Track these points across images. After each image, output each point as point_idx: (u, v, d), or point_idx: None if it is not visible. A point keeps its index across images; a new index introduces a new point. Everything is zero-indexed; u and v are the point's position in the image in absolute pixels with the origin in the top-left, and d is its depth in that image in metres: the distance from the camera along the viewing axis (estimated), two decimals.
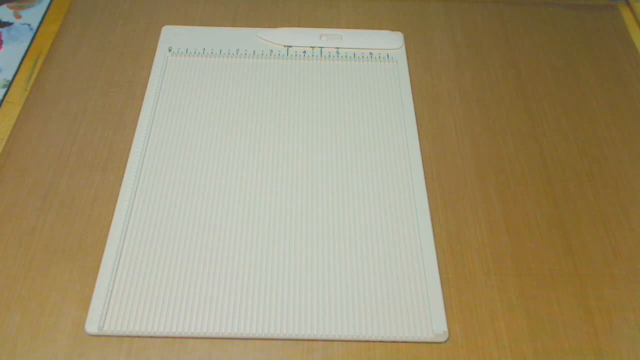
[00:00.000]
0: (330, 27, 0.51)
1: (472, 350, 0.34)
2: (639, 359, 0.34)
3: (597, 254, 0.38)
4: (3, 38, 0.52)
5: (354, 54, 0.48)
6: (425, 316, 0.35)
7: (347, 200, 0.39)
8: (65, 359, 0.33)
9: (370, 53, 0.48)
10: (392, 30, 0.50)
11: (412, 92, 0.46)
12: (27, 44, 0.50)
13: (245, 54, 0.48)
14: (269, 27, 0.50)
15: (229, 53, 0.48)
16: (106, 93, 0.45)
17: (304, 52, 0.48)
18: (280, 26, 0.50)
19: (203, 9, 0.52)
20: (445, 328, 0.34)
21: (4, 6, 0.55)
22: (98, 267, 0.36)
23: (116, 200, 0.39)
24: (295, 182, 0.40)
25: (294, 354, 0.34)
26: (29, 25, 0.53)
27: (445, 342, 0.34)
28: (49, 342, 0.33)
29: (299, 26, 0.51)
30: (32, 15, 0.54)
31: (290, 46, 0.48)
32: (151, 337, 0.34)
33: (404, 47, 0.49)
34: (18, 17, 0.54)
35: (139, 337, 0.34)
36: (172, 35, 0.49)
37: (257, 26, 0.50)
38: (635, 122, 0.45)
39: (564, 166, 0.42)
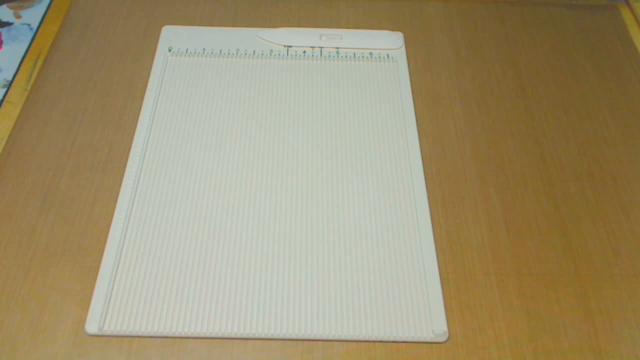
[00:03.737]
0: (330, 27, 0.51)
1: (472, 350, 0.34)
2: (639, 359, 0.34)
3: (597, 254, 0.38)
4: (3, 38, 0.52)
5: (354, 54, 0.48)
6: (425, 316, 0.35)
7: (347, 200, 0.39)
8: (65, 359, 0.33)
9: (370, 53, 0.48)
10: (392, 30, 0.50)
11: (412, 92, 0.46)
12: (27, 44, 0.50)
13: (245, 54, 0.48)
14: (269, 27, 0.50)
15: (229, 53, 0.48)
16: (106, 93, 0.45)
17: (304, 52, 0.48)
18: (280, 26, 0.50)
19: (203, 9, 0.52)
20: (445, 328, 0.34)
21: (4, 6, 0.55)
22: (98, 267, 0.36)
23: (116, 200, 0.39)
24: (295, 182, 0.40)
25: (294, 354, 0.34)
26: (29, 25, 0.53)
27: (445, 342, 0.34)
28: (49, 342, 0.33)
29: (299, 26, 0.51)
30: (32, 15, 0.54)
31: (290, 46, 0.48)
32: (151, 337, 0.34)
33: (404, 47, 0.49)
34: (18, 17, 0.54)
35: (139, 337, 0.34)
36: (172, 35, 0.49)
37: (257, 26, 0.50)
38: (635, 122, 0.45)
39: (564, 166, 0.42)
